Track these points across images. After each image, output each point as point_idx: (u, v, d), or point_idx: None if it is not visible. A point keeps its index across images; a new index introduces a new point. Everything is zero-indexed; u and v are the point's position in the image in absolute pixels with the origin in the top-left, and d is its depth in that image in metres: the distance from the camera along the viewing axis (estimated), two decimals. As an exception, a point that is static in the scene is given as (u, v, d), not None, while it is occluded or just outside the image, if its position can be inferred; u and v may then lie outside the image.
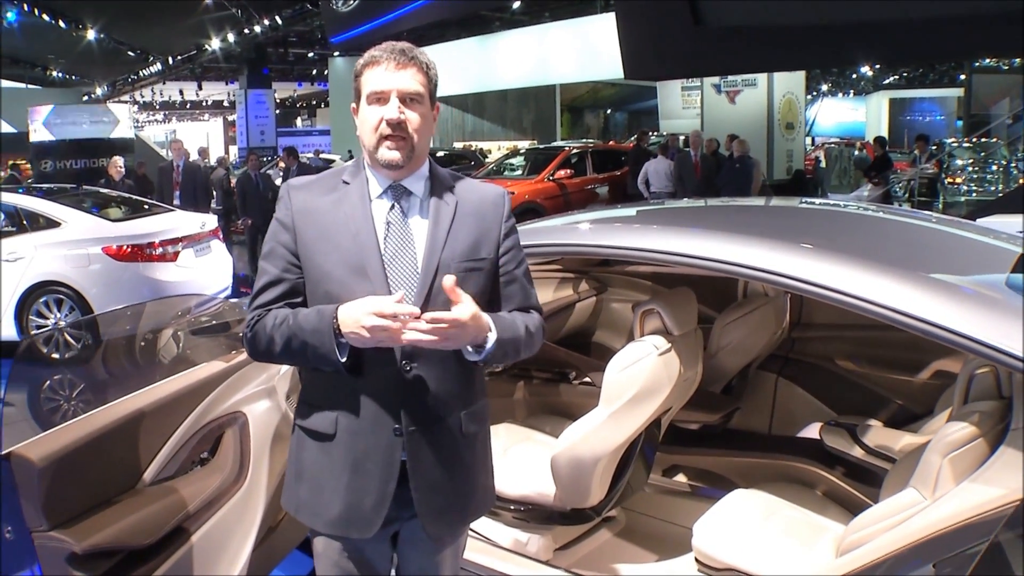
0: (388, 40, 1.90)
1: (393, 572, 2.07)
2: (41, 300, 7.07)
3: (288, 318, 1.84)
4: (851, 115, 37.85)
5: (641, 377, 2.63)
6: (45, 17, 22.31)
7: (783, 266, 2.21)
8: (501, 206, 1.99)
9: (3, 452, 1.97)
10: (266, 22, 23.67)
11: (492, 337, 1.80)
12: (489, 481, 2.09)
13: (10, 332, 7.08)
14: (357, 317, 1.73)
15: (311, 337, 1.79)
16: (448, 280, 1.73)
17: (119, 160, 10.56)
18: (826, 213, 3.42)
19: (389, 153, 1.84)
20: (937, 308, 1.94)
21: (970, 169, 15.09)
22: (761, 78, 16.85)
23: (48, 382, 2.62)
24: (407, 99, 1.84)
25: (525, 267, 2.02)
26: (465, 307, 1.73)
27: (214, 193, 12.65)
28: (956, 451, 2.03)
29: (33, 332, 6.87)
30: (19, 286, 7.02)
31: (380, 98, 1.84)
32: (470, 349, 1.81)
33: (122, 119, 21.02)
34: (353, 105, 1.92)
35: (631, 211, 3.69)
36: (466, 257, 1.89)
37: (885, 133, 31.17)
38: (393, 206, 1.90)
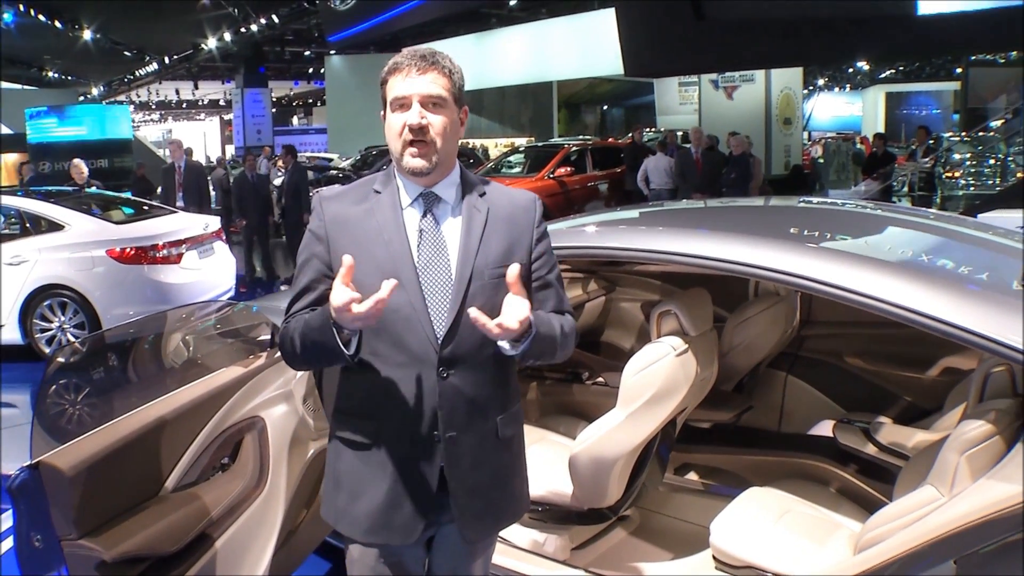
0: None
1: None
2: (45, 304, 7.06)
3: (302, 320, 1.86)
4: (847, 109, 37.93)
5: (659, 378, 2.65)
6: (41, 17, 22.16)
7: (795, 266, 2.24)
8: (532, 211, 2.00)
9: (32, 462, 1.98)
10: (263, 21, 23.59)
11: (532, 332, 1.80)
12: (524, 484, 2.10)
13: (14, 336, 7.07)
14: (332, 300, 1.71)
15: (318, 334, 1.80)
16: (512, 270, 1.76)
17: (81, 163, 10.24)
18: (828, 212, 3.43)
19: (413, 161, 1.86)
20: (952, 307, 1.97)
21: (968, 163, 15.07)
22: (759, 74, 16.91)
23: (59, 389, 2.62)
24: (429, 104, 1.84)
25: (557, 272, 2.03)
26: (524, 302, 1.77)
27: (212, 193, 12.63)
28: (973, 448, 2.06)
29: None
30: (23, 290, 7.01)
31: (402, 104, 1.85)
32: (506, 346, 1.80)
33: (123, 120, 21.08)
34: (381, 113, 1.93)
35: (637, 213, 3.71)
36: (499, 263, 1.89)
37: (882, 127, 31.19)
38: (426, 213, 1.91)
